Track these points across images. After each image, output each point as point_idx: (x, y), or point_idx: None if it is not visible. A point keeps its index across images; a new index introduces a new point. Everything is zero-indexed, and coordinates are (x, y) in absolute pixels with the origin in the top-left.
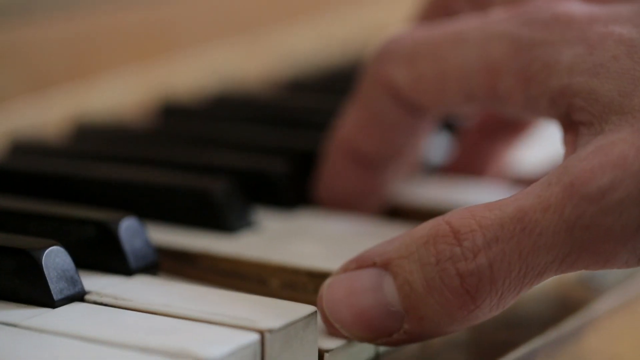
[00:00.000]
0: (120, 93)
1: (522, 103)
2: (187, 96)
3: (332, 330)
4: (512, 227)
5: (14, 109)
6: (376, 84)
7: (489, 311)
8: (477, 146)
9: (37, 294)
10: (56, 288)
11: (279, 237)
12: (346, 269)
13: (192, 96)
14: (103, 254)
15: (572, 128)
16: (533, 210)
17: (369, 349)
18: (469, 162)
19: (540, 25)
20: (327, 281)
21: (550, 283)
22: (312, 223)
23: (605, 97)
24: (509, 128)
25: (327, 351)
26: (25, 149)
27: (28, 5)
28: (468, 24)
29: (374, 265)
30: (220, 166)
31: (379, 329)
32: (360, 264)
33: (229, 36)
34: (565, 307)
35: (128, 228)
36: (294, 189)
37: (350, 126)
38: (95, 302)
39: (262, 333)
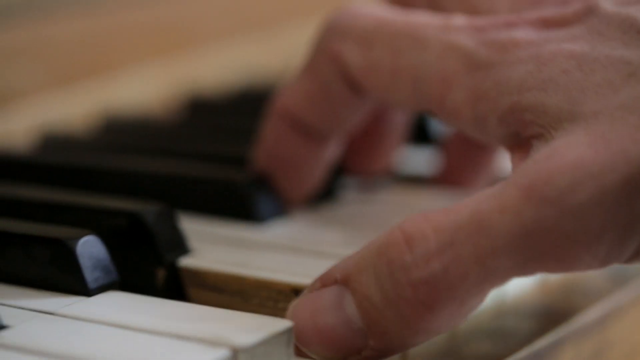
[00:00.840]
0: (144, 87)
1: (470, 120)
2: (211, 90)
3: (301, 354)
4: (468, 229)
5: (41, 103)
6: (325, 56)
7: (450, 319)
8: (462, 156)
9: (73, 282)
10: (91, 277)
11: (309, 226)
12: (312, 288)
13: (215, 90)
14: (134, 244)
15: (522, 145)
16: (490, 212)
17: None
18: (457, 174)
19: (498, 47)
20: (294, 302)
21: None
22: (340, 212)
23: (555, 107)
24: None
25: None
26: (55, 142)
27: (54, 2)
28: (430, 24)
29: (335, 282)
30: (245, 158)
31: (345, 348)
32: (324, 282)
33: (252, 31)
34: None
35: (159, 218)
36: None
37: (295, 94)
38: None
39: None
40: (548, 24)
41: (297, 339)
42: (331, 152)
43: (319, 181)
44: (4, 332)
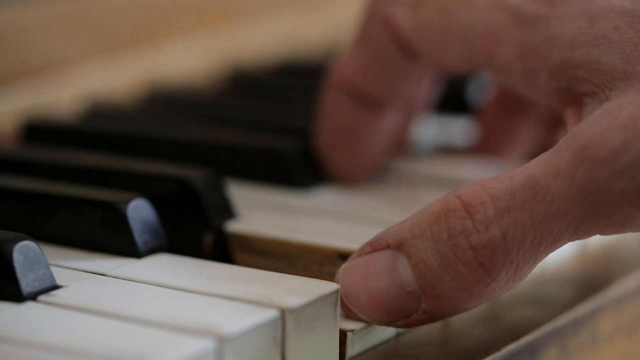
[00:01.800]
0: (188, 58)
1: (519, 75)
2: (253, 62)
3: (350, 315)
4: (524, 195)
5: (87, 72)
6: (377, 22)
7: (505, 283)
8: (498, 125)
9: (123, 245)
10: (141, 239)
11: (352, 193)
12: (361, 252)
13: (258, 62)
14: (183, 209)
15: (574, 101)
16: (544, 177)
17: (390, 329)
18: (492, 142)
19: (545, 2)
20: (343, 266)
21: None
22: (382, 180)
23: (608, 65)
24: (530, 102)
25: (351, 331)
26: (101, 110)
27: None
28: None
29: (387, 247)
30: (287, 127)
31: (396, 311)
32: (374, 247)
33: (294, 4)
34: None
35: (208, 183)
36: None
37: (350, 63)
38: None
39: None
40: None
41: (349, 301)
42: (391, 121)
43: (381, 152)
44: (58, 292)
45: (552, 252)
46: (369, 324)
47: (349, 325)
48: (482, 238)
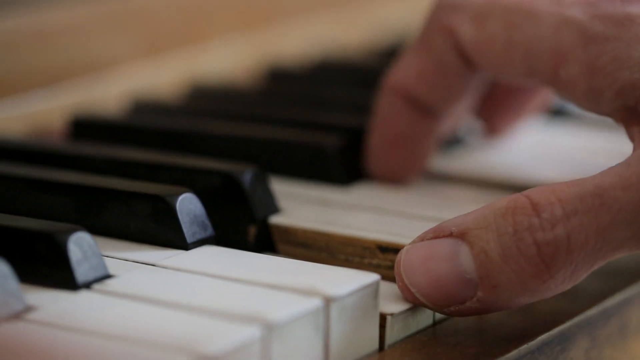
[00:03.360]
0: (229, 58)
1: (583, 92)
2: (292, 62)
3: (406, 295)
4: (591, 201)
5: (132, 71)
6: (439, 31)
7: (561, 282)
8: (494, 107)
9: (172, 236)
10: (189, 231)
11: (390, 189)
12: (423, 238)
13: (296, 62)
14: (229, 202)
15: (639, 121)
16: (613, 188)
17: (428, 316)
18: (493, 118)
19: (613, 22)
20: (405, 247)
21: None
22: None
23: None
24: (519, 94)
25: (390, 315)
26: (145, 108)
27: None
28: (542, 1)
29: (450, 235)
30: (326, 124)
31: (452, 296)
32: (437, 234)
33: (332, 7)
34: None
35: (253, 178)
36: None
37: (408, 70)
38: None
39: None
40: None
41: (408, 279)
42: (443, 126)
43: (430, 155)
44: (110, 281)
45: (610, 259)
46: (409, 309)
47: (389, 308)
48: (548, 236)
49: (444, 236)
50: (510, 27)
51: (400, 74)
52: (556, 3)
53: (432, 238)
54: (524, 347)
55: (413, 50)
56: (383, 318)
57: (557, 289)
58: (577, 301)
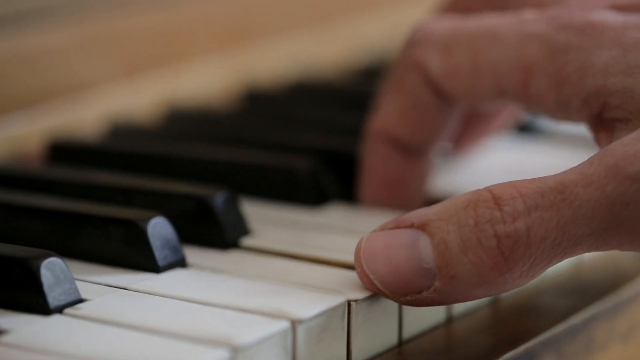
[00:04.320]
0: (206, 80)
1: (553, 103)
2: (268, 82)
3: (365, 282)
4: (552, 197)
5: (110, 93)
6: (409, 68)
7: (518, 277)
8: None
9: (144, 260)
10: (160, 255)
11: (362, 211)
12: (384, 227)
13: (273, 82)
14: (200, 225)
15: (606, 126)
16: (574, 184)
17: (392, 332)
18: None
19: (576, 31)
20: (366, 236)
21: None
22: None
23: None
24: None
25: (355, 301)
26: (123, 131)
27: None
28: (503, 21)
29: (411, 225)
30: (301, 146)
31: (410, 284)
32: (398, 224)
33: (308, 26)
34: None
35: (224, 201)
36: None
37: (387, 113)
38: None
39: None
40: (622, 9)
41: (367, 265)
42: (431, 163)
43: (423, 193)
44: (83, 305)
45: (568, 257)
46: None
47: (357, 336)
48: (508, 229)
49: (405, 226)
50: (475, 52)
51: (381, 119)
52: (518, 22)
53: (393, 228)
54: None
55: (389, 91)
56: (348, 306)
57: (514, 283)
58: (544, 319)
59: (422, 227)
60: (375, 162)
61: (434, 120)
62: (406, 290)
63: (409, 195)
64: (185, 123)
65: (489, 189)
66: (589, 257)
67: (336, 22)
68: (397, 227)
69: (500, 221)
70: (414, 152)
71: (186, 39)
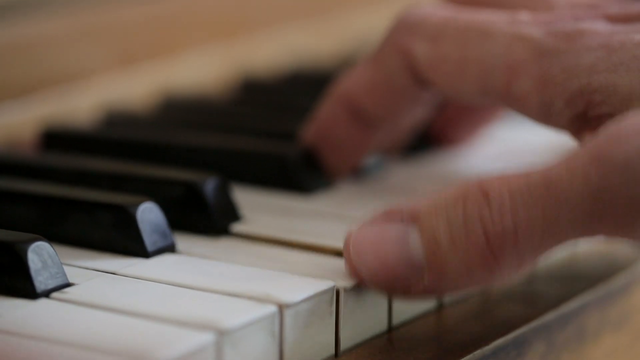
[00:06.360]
0: (202, 70)
1: (535, 106)
2: (265, 72)
3: (354, 275)
4: (539, 191)
5: (104, 82)
6: (394, 49)
7: (507, 272)
8: (457, 115)
9: (133, 245)
10: (150, 240)
11: (352, 197)
12: (374, 220)
13: (269, 72)
14: (191, 211)
15: (590, 125)
16: (559, 178)
17: (382, 320)
18: (450, 131)
19: (565, 37)
20: (355, 227)
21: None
22: (382, 183)
23: (625, 87)
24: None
25: (344, 287)
26: (117, 119)
27: None
28: (495, 19)
29: (401, 219)
30: (294, 134)
31: (399, 279)
32: (388, 218)
33: (304, 18)
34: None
35: (214, 187)
36: None
37: (357, 81)
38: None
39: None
40: (613, 19)
41: (357, 258)
42: (383, 138)
43: (361, 162)
44: (70, 289)
45: (556, 247)
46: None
47: (345, 321)
48: (496, 227)
49: (394, 220)
50: (464, 45)
51: (349, 85)
52: (510, 22)
53: (382, 221)
54: (477, 352)
55: (366, 63)
56: (337, 294)
57: (502, 278)
58: (535, 306)
59: (412, 220)
60: (327, 120)
61: (402, 103)
62: (395, 284)
63: (345, 160)
64: (180, 111)
65: (478, 183)
66: (584, 246)
67: (332, 15)
68: (386, 220)
69: (489, 218)
70: (367, 125)
71: (182, 29)
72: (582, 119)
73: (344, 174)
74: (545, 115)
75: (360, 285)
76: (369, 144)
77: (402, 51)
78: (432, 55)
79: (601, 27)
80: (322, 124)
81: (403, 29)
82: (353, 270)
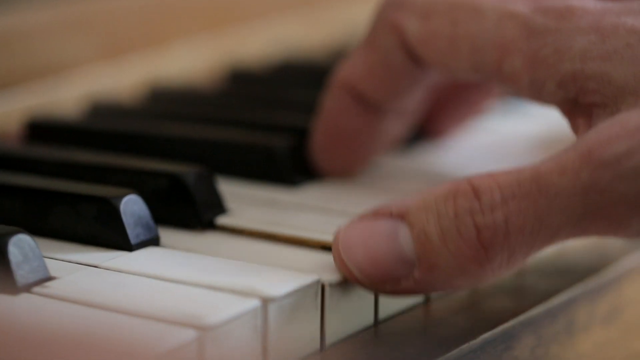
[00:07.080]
0: (190, 60)
1: (526, 84)
2: (254, 63)
3: (343, 271)
4: (529, 187)
5: (91, 74)
6: (385, 27)
7: (498, 267)
8: (445, 106)
9: (116, 238)
10: (133, 233)
11: (339, 191)
12: (363, 217)
13: (258, 63)
14: (175, 203)
15: (583, 111)
16: (549, 173)
17: (368, 315)
18: (438, 122)
19: (555, 14)
20: (344, 225)
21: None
22: (369, 177)
23: (620, 80)
24: (473, 93)
25: (329, 281)
26: (104, 110)
27: None
28: None
29: (390, 215)
30: (282, 125)
31: (389, 274)
32: (377, 214)
33: (293, 8)
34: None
35: (199, 179)
36: None
37: (355, 66)
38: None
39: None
40: None
41: (346, 255)
42: (390, 125)
43: (375, 153)
44: (51, 283)
45: (547, 246)
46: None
47: (331, 315)
48: (487, 220)
49: (383, 216)
50: (454, 22)
51: (348, 71)
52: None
53: (371, 217)
54: (465, 346)
55: (361, 47)
56: (323, 288)
57: (494, 274)
58: (524, 300)
59: (401, 216)
60: (333, 111)
61: (402, 81)
62: (385, 280)
63: (360, 149)
64: (167, 102)
65: (468, 180)
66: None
67: (321, 5)
68: (376, 216)
69: (479, 212)
70: (374, 109)
71: (169, 20)
72: (573, 103)
73: (359, 167)
74: (536, 94)
75: (348, 281)
76: (378, 131)
77: (394, 28)
78: (423, 32)
79: (591, 4)
80: (329, 116)
81: (393, 6)
82: (342, 267)
